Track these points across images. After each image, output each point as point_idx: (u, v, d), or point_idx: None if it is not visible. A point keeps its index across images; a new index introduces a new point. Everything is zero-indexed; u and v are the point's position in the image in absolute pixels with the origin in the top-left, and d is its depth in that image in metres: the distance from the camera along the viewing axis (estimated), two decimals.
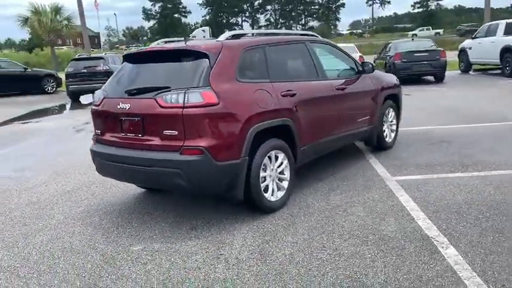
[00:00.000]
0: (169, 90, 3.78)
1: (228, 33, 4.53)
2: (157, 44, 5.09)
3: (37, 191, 5.48)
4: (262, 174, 4.14)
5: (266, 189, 4.22)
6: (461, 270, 3.02)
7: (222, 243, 3.70)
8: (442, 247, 3.36)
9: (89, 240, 3.95)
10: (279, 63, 4.64)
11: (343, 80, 5.40)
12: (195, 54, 3.98)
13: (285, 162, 4.41)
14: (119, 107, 4.06)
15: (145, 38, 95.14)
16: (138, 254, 3.60)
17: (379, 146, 6.26)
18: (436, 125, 8.00)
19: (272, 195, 4.28)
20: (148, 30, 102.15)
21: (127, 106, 3.99)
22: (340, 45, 17.89)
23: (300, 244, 3.58)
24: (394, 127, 6.55)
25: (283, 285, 2.99)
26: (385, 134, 6.29)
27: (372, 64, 5.77)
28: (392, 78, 6.63)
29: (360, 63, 5.80)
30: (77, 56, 18.55)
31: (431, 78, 15.98)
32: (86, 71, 15.87)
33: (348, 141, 5.71)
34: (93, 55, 19.76)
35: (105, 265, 3.44)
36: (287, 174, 4.44)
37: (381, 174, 5.24)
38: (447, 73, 15.64)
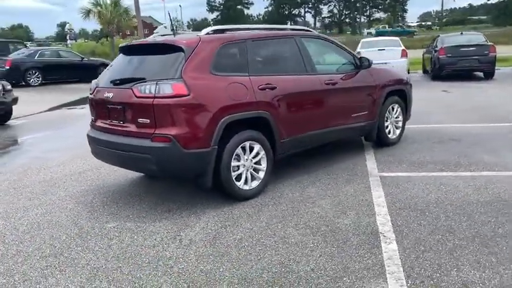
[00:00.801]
0: (145, 81, 4.09)
1: (209, 28, 4.75)
2: (154, 36, 5.39)
3: (53, 171, 6.03)
4: (234, 163, 4.35)
5: (240, 177, 4.43)
6: (391, 265, 3.09)
7: (185, 225, 3.97)
8: (386, 242, 3.42)
9: (75, 216, 4.37)
10: (262, 58, 4.81)
11: (336, 75, 5.45)
12: (173, 48, 4.26)
13: (262, 153, 4.58)
14: (105, 95, 4.45)
15: None
16: (109, 230, 3.97)
17: (380, 141, 6.23)
18: (455, 123, 7.76)
19: (246, 184, 4.48)
20: (212, 22, 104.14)
21: (111, 95, 4.37)
22: (383, 38, 17.59)
23: (254, 231, 3.77)
24: (400, 124, 6.48)
25: (219, 266, 3.21)
26: (388, 130, 6.25)
27: (368, 60, 5.74)
28: (397, 74, 6.55)
29: (358, 58, 5.80)
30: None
31: (481, 74, 15.24)
32: None
33: (342, 135, 5.75)
34: None
35: (78, 238, 3.83)
36: (263, 165, 4.62)
37: (370, 170, 5.27)
38: (505, 70, 14.84)
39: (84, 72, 19.23)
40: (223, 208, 4.32)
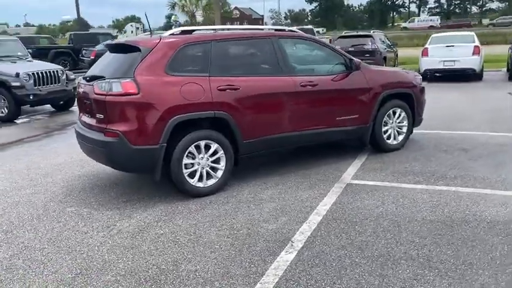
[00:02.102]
0: (104, 79, 4.42)
1: (177, 29, 4.93)
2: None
3: (69, 156, 6.65)
4: (188, 161, 4.53)
5: (194, 175, 4.59)
6: (270, 275, 3.08)
7: (128, 216, 4.26)
8: (287, 252, 3.39)
9: (53, 197, 4.86)
10: (227, 59, 4.89)
11: (318, 77, 5.33)
12: (134, 49, 4.54)
13: (220, 152, 4.69)
14: (81, 91, 4.87)
15: (305, 20, 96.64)
16: (65, 214, 4.39)
17: (378, 147, 5.96)
18: (486, 131, 7.06)
19: (200, 181, 4.63)
20: (309, 13, 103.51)
21: (82, 91, 4.77)
22: (456, 33, 16.20)
23: (180, 227, 3.94)
24: (405, 129, 6.12)
25: (120, 257, 3.43)
26: (386, 136, 5.95)
27: (355, 62, 5.49)
28: (401, 76, 6.18)
29: (349, 59, 5.57)
30: (343, 33, 18.08)
31: None
32: (353, 49, 14.56)
33: (324, 138, 5.58)
34: (360, 33, 18.24)
35: (35, 218, 4.30)
36: (222, 164, 4.73)
37: (344, 176, 5.11)
38: None
39: None
40: (175, 202, 4.51)
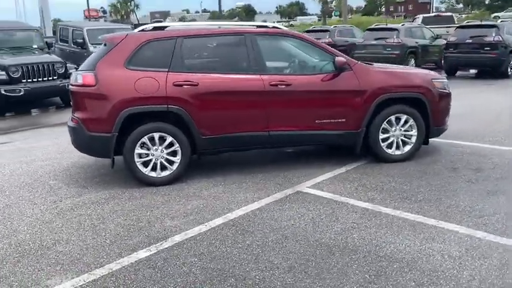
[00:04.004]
0: (76, 71, 4.95)
1: (149, 25, 5.15)
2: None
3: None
4: (141, 151, 4.81)
5: (148, 164, 4.87)
6: (106, 268, 3.21)
7: (78, 195, 4.73)
8: (148, 250, 3.47)
9: (36, 176, 5.42)
10: (191, 55, 4.97)
11: (294, 76, 5.06)
12: (105, 43, 4.95)
13: (176, 146, 4.86)
14: None
15: (484, 3, 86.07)
16: (41, 183, 5.08)
17: (375, 156, 5.40)
18: None
19: (154, 171, 4.88)
20: None
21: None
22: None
23: (101, 211, 4.28)
24: (413, 139, 5.39)
25: (25, 226, 3.92)
26: (386, 144, 5.34)
27: (339, 61, 4.98)
28: (408, 78, 5.40)
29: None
30: (465, 23, 16.73)
31: None
32: (471, 41, 13.48)
33: (301, 141, 5.27)
34: (485, 23, 16.36)
35: (26, 190, 5.09)
36: (177, 157, 4.90)
37: (304, 183, 4.81)
38: None
39: None
40: (126, 190, 4.82)
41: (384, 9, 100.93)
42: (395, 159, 5.39)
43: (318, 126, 5.12)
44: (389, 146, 5.38)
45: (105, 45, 4.89)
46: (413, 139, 5.41)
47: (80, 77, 4.76)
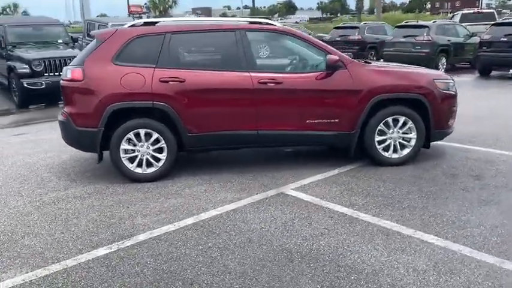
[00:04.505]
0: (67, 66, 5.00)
1: (139, 21, 5.10)
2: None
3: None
4: (128, 147, 4.81)
5: (134, 160, 4.86)
6: (59, 267, 3.21)
7: (64, 188, 4.79)
8: (108, 248, 3.44)
9: (33, 168, 5.55)
10: (180, 51, 4.89)
11: (283, 74, 4.91)
12: (95, 38, 4.97)
13: (162, 142, 4.83)
14: None
15: None
16: (35, 175, 5.18)
17: (372, 158, 5.17)
18: None
19: (139, 167, 4.87)
20: None
21: None
22: None
23: (80, 205, 4.30)
24: (413, 142, 5.12)
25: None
26: (383, 147, 5.10)
27: (332, 59, 4.76)
28: (408, 78, 5.10)
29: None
30: (500, 20, 15.84)
31: None
32: (506, 39, 12.75)
33: (291, 141, 5.09)
34: None
35: (17, 181, 5.21)
36: (164, 154, 4.86)
37: (289, 185, 4.66)
38: None
39: None
40: (113, 184, 4.85)
41: (429, 6, 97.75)
42: (393, 162, 5.14)
43: (309, 126, 4.95)
44: (386, 148, 5.14)
45: (95, 40, 4.90)
46: (413, 142, 5.14)
47: (69, 71, 4.80)
